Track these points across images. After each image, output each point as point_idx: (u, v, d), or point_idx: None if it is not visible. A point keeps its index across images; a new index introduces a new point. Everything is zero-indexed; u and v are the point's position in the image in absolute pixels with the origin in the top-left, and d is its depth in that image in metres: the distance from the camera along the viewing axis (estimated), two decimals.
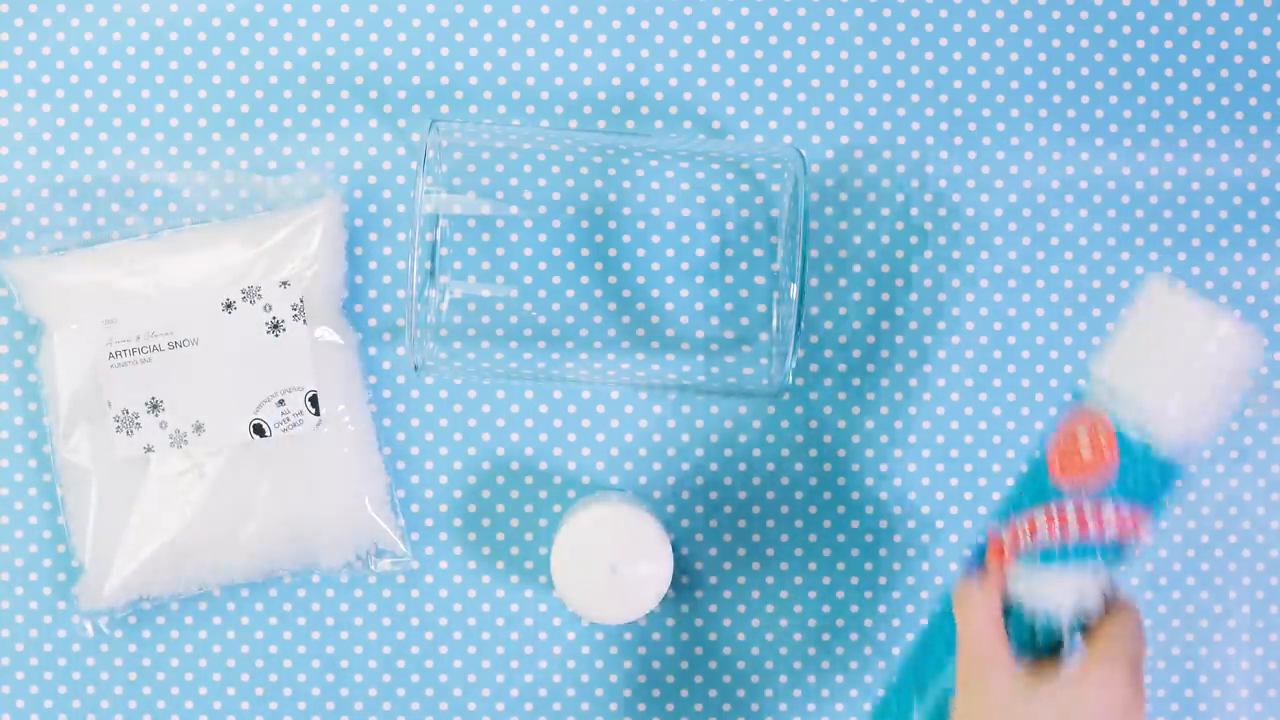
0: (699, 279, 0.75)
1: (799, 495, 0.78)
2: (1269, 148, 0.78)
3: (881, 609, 0.79)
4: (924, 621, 0.70)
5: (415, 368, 0.72)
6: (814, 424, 0.78)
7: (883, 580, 0.79)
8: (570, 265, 0.75)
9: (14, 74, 0.77)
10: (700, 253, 0.75)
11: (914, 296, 0.78)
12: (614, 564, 0.72)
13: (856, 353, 0.78)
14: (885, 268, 0.78)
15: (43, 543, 0.77)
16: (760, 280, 0.75)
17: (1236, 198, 0.78)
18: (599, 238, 0.75)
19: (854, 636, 0.79)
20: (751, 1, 0.78)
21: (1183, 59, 0.78)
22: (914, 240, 0.78)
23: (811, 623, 0.79)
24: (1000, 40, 0.78)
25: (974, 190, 0.78)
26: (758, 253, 0.75)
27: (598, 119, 0.78)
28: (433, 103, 0.78)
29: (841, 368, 0.78)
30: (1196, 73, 0.78)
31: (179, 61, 0.77)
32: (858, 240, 0.78)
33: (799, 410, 0.78)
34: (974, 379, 0.78)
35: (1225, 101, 0.78)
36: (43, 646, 0.78)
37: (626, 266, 0.75)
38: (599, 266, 0.75)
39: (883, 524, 0.78)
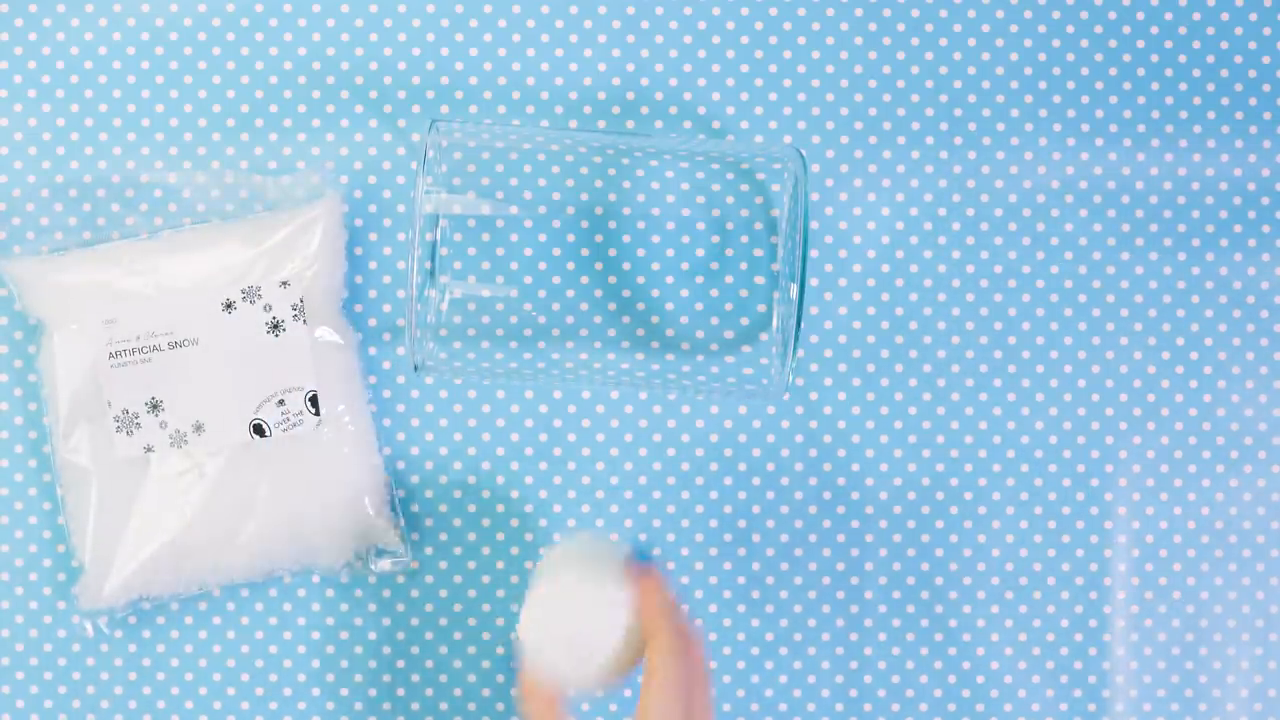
0: (699, 279, 0.75)
1: (799, 495, 0.78)
2: (1269, 148, 0.78)
3: (882, 609, 0.79)
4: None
5: (415, 368, 0.72)
6: (814, 424, 0.78)
7: (883, 580, 0.79)
8: (570, 265, 0.75)
9: (14, 74, 0.77)
10: (700, 253, 0.75)
11: (914, 296, 0.78)
12: (572, 638, 0.68)
13: (856, 353, 0.78)
14: (885, 268, 0.78)
15: (43, 543, 0.77)
16: (760, 280, 0.75)
17: (1236, 198, 0.78)
18: (599, 238, 0.75)
19: (854, 637, 0.79)
20: (751, 1, 0.78)
21: (1183, 59, 0.78)
22: (914, 240, 0.78)
23: (811, 623, 0.79)
24: (1000, 40, 0.78)
25: (974, 190, 0.78)
26: (758, 253, 0.75)
27: (598, 119, 0.78)
28: (433, 103, 0.78)
29: (841, 368, 0.78)
30: (1196, 73, 0.78)
31: (179, 61, 0.77)
32: (858, 240, 0.78)
33: (799, 410, 0.78)
34: (974, 379, 0.78)
35: (1225, 101, 0.78)
36: (43, 646, 0.78)
37: (626, 266, 0.75)
38: (599, 266, 0.75)
39: (883, 524, 0.78)
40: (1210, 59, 0.78)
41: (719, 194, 0.75)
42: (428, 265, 0.72)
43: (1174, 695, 0.79)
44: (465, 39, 0.78)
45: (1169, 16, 0.78)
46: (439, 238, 0.73)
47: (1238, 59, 0.78)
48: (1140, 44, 0.78)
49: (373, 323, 0.78)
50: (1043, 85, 0.78)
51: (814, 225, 0.78)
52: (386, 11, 0.78)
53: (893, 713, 0.79)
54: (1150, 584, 0.79)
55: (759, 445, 0.78)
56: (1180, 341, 0.78)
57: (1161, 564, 0.79)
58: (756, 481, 0.78)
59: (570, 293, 0.75)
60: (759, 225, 0.75)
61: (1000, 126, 0.78)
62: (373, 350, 0.78)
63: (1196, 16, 0.78)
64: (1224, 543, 0.79)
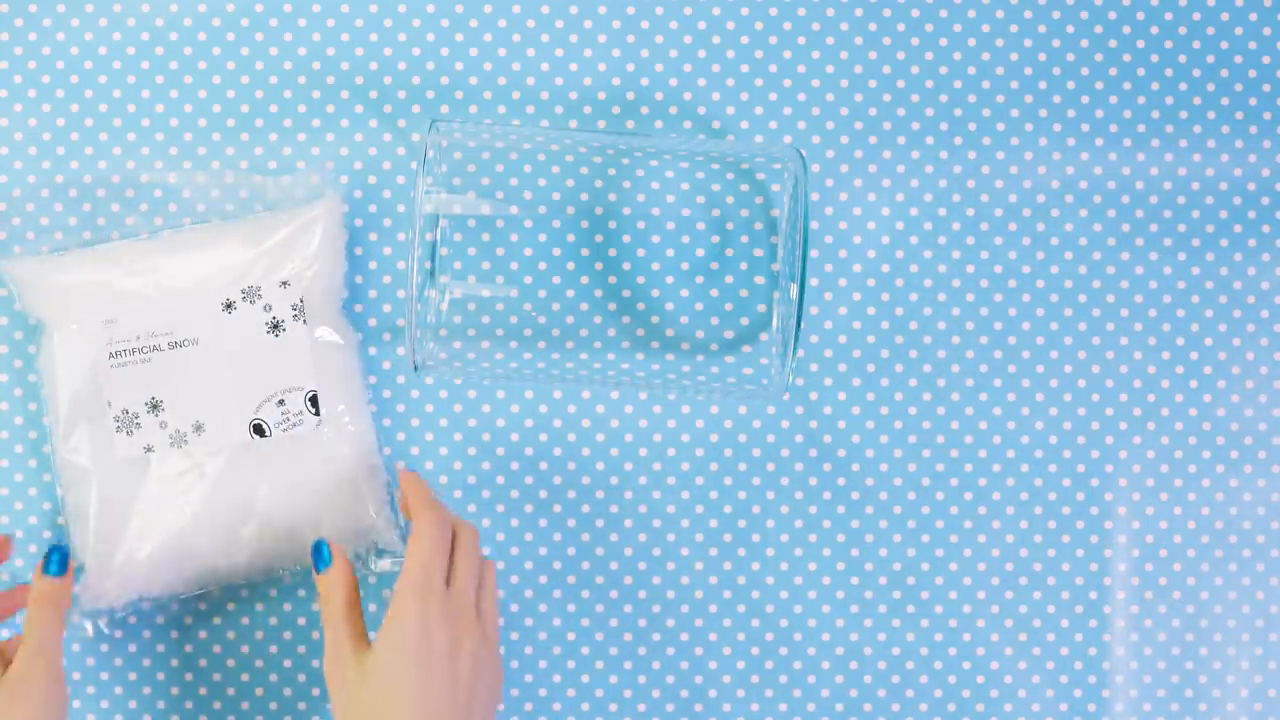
0: (699, 279, 0.75)
1: (799, 495, 0.78)
2: (1269, 148, 0.78)
3: (882, 609, 0.79)
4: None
5: (415, 368, 0.72)
6: (814, 424, 0.78)
7: (883, 580, 0.79)
8: (570, 265, 0.75)
9: (14, 74, 0.77)
10: (700, 253, 0.75)
11: (914, 296, 0.78)
12: None
13: (856, 353, 0.78)
14: (885, 268, 0.78)
15: (43, 543, 0.77)
16: (760, 280, 0.75)
17: (1236, 198, 0.78)
18: (599, 238, 0.75)
19: (854, 637, 0.79)
20: (751, 1, 0.78)
21: (1183, 59, 0.78)
22: (914, 240, 0.78)
23: (811, 623, 0.79)
24: (1000, 40, 0.78)
25: (974, 190, 0.78)
26: (758, 253, 0.75)
27: (598, 119, 0.78)
28: (433, 103, 0.78)
29: (841, 368, 0.78)
30: (1196, 73, 0.78)
31: (179, 61, 0.77)
32: (858, 240, 0.78)
33: (799, 410, 0.78)
34: (974, 379, 0.78)
35: (1225, 101, 0.78)
36: None
37: (626, 266, 0.75)
38: (599, 266, 0.75)
39: (883, 524, 0.78)
40: (1210, 59, 0.78)
41: (719, 194, 0.75)
42: (428, 265, 0.72)
43: (1174, 695, 0.79)
44: (465, 39, 0.78)
45: (1169, 16, 0.78)
46: (439, 238, 0.73)
47: (1238, 59, 0.78)
48: (1140, 44, 0.78)
49: (373, 323, 0.78)
50: (1043, 85, 0.78)
51: (814, 225, 0.78)
52: (386, 11, 0.78)
53: (893, 713, 0.79)
54: (1150, 584, 0.79)
55: (759, 445, 0.78)
56: (1180, 341, 0.78)
57: (1161, 564, 0.79)
58: (756, 481, 0.78)
59: (570, 293, 0.75)
60: (759, 225, 0.75)
61: (1000, 126, 0.78)
62: (373, 350, 0.78)
63: (1196, 16, 0.78)
64: (1224, 543, 0.79)
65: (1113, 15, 0.78)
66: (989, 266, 0.78)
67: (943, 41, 0.78)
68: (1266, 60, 0.78)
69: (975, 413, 0.78)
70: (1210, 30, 0.78)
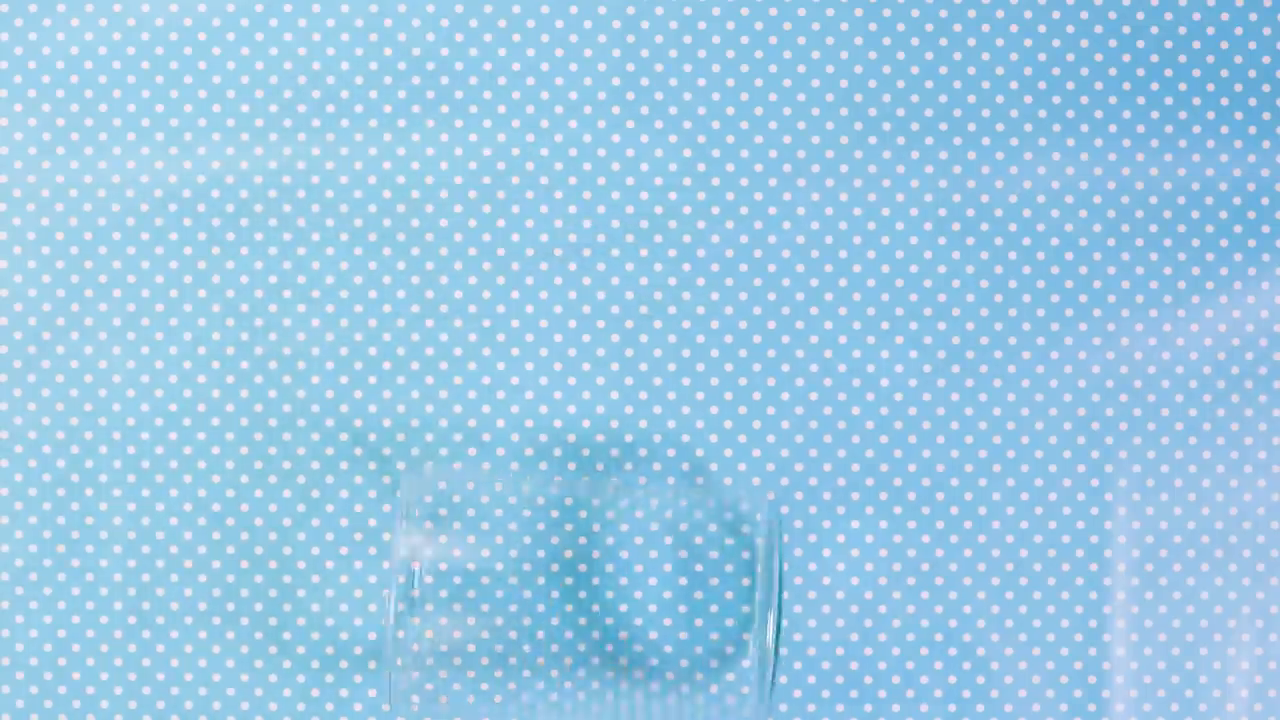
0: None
1: (799, 495, 0.78)
2: (1269, 148, 0.78)
3: (882, 609, 0.79)
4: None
5: (390, 705, 0.71)
6: (814, 424, 0.78)
7: (883, 581, 0.79)
8: (554, 594, 0.75)
9: (14, 74, 0.77)
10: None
11: (914, 297, 0.78)
12: None
13: (857, 353, 0.78)
14: (885, 268, 0.78)
15: (43, 543, 0.77)
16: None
17: (1236, 198, 0.79)
18: (583, 568, 0.75)
19: (854, 637, 0.79)
20: (751, 2, 0.78)
21: (1183, 59, 0.78)
22: (914, 241, 0.78)
23: (812, 623, 0.79)
24: (1000, 40, 0.78)
25: (974, 190, 0.78)
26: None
27: (597, 119, 0.78)
28: (433, 103, 0.78)
29: (841, 368, 0.78)
30: (1196, 73, 0.78)
31: (179, 61, 0.77)
32: (858, 241, 0.78)
33: (799, 410, 0.78)
34: (974, 379, 0.78)
35: (1225, 101, 0.78)
36: (43, 646, 0.78)
37: (611, 594, 0.75)
38: (584, 593, 0.76)
39: (883, 524, 0.79)
40: (1210, 59, 0.78)
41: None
42: (400, 607, 0.70)
43: (1174, 695, 0.79)
44: (465, 39, 0.78)
45: (1169, 16, 0.78)
46: (414, 578, 0.72)
47: (1238, 59, 0.78)
48: (1140, 44, 0.78)
49: (373, 324, 0.78)
50: (1043, 85, 0.78)
51: (814, 225, 0.78)
52: (386, 11, 0.78)
53: (893, 713, 0.79)
54: (1150, 584, 0.79)
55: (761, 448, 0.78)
56: (1180, 342, 0.79)
57: (1161, 564, 0.79)
58: (757, 481, 0.78)
59: (555, 620, 0.75)
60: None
61: (1000, 127, 0.78)
62: (373, 351, 0.78)
63: (1196, 16, 0.78)
64: (1224, 543, 0.79)
65: (1113, 15, 0.78)
66: (989, 266, 0.78)
67: (943, 41, 0.78)
68: (1266, 60, 0.78)
69: (975, 413, 0.78)
70: (1210, 30, 0.78)
